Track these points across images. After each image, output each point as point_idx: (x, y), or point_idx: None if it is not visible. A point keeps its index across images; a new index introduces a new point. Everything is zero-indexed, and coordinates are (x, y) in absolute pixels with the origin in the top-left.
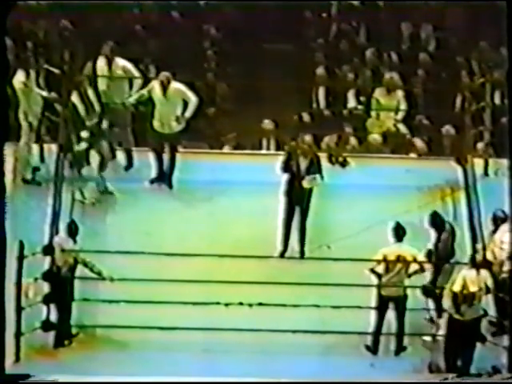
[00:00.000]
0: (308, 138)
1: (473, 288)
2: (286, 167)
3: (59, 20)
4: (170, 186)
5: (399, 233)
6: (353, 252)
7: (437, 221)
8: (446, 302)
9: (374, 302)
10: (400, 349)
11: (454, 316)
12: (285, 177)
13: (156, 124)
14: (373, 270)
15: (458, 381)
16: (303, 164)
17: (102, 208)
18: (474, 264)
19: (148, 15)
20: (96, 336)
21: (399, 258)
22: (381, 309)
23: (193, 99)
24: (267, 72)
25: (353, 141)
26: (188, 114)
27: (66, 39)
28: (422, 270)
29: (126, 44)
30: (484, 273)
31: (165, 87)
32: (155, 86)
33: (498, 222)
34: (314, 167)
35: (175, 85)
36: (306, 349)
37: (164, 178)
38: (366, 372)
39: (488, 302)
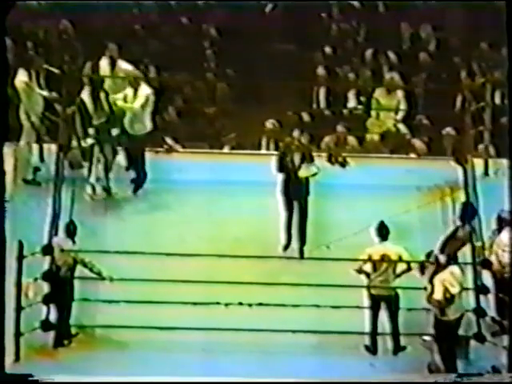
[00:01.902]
0: (296, 133)
1: (454, 290)
2: (282, 165)
3: (59, 20)
4: (135, 190)
5: (383, 232)
6: (352, 252)
7: (468, 213)
8: (432, 309)
9: (366, 302)
10: (397, 348)
11: (439, 318)
12: (279, 175)
13: (127, 125)
14: (359, 270)
15: (458, 381)
16: (297, 158)
17: (101, 208)
18: (439, 265)
19: (148, 15)
20: (95, 336)
21: (384, 258)
22: (373, 308)
23: (135, 106)
24: (267, 72)
25: (352, 141)
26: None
27: (65, 39)
28: (409, 269)
29: (126, 44)
30: (456, 270)
31: (135, 88)
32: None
33: (502, 223)
34: (307, 160)
35: (145, 89)
36: (305, 349)
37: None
38: (366, 372)
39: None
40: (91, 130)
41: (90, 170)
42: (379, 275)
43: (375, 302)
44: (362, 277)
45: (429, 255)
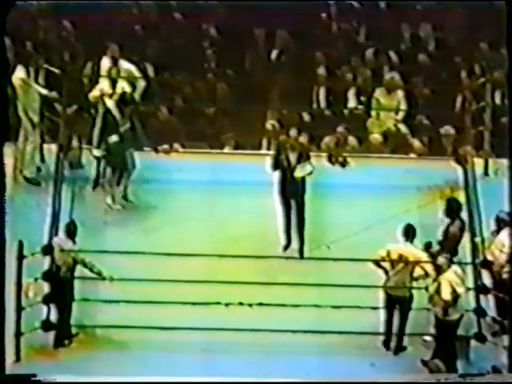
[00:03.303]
0: (293, 132)
1: (460, 289)
2: (277, 164)
3: (59, 20)
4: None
5: (409, 233)
6: (352, 252)
7: (452, 207)
8: (436, 310)
9: (374, 302)
10: (399, 348)
11: (440, 318)
12: (276, 175)
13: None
14: (378, 264)
15: (458, 381)
16: (292, 157)
17: (101, 208)
18: (438, 265)
19: (148, 15)
20: (96, 336)
21: (401, 258)
22: (388, 308)
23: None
24: (267, 72)
25: (353, 141)
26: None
27: (65, 39)
28: (426, 275)
29: (126, 44)
30: (459, 270)
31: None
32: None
33: (501, 224)
34: (304, 159)
35: (125, 87)
36: (305, 349)
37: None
38: (366, 372)
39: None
40: (115, 137)
41: (118, 180)
42: (395, 274)
43: (391, 302)
44: (363, 276)
45: (428, 246)
